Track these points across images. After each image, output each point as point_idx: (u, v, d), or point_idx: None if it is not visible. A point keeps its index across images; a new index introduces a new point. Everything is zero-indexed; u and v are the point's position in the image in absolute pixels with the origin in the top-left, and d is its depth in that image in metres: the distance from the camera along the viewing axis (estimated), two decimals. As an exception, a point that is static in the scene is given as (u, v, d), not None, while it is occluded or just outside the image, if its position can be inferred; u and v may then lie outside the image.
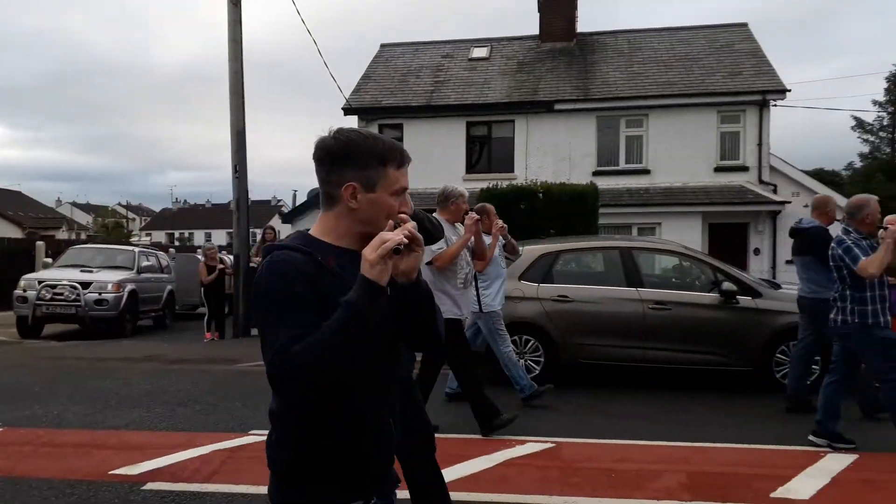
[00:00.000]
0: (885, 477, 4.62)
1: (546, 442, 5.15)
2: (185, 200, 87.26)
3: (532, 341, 7.33)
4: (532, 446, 5.06)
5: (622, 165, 16.71)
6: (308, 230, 1.69)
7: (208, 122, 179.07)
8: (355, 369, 1.49)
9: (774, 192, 15.68)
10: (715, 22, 19.57)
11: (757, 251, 15.68)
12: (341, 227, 1.64)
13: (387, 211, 1.62)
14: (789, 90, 15.68)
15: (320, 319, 1.48)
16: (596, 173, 16.41)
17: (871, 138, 37.00)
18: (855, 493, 4.31)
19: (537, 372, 7.15)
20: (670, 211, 15.33)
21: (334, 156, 1.62)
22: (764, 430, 5.52)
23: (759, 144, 15.75)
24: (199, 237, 65.30)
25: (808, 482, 4.37)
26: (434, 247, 4.99)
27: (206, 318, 12.29)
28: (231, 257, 13.04)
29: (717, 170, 15.96)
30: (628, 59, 18.07)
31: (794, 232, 6.41)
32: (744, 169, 15.83)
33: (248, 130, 12.21)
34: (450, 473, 3.91)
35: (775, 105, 15.91)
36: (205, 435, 5.34)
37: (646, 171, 16.38)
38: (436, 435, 3.62)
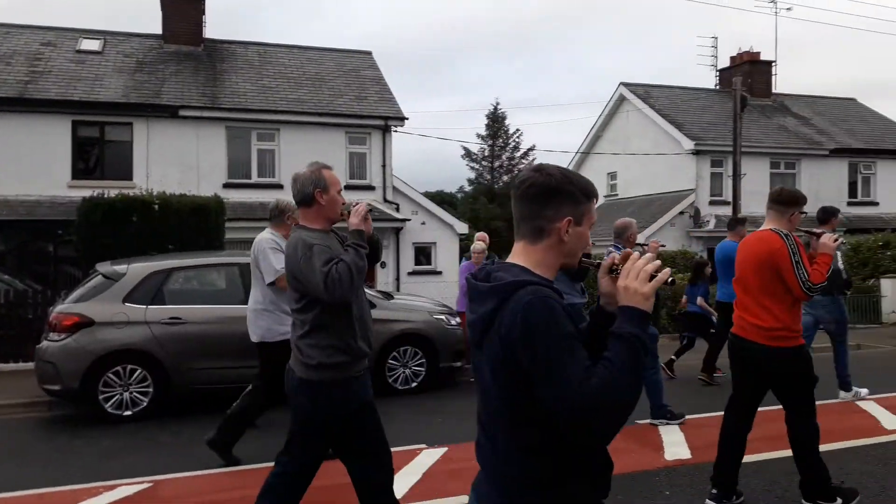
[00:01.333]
0: (466, 465, 5.18)
1: (141, 483, 4.58)
2: None
3: (138, 371, 6.59)
4: (124, 490, 4.45)
5: (255, 179, 16.43)
6: (517, 264, 1.67)
7: None
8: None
9: (397, 210, 17.06)
10: (342, 47, 20.58)
11: (383, 264, 16.84)
12: (550, 259, 1.68)
13: (585, 243, 1.70)
14: (407, 118, 17.29)
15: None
16: (227, 185, 15.85)
17: (476, 166, 43.32)
18: (440, 484, 4.70)
19: (144, 405, 6.45)
20: (302, 226, 15.55)
21: (554, 191, 1.66)
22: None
23: (384, 166, 16.99)
24: None
25: (403, 480, 4.60)
26: (278, 265, 4.65)
27: None
28: None
29: (347, 188, 16.73)
30: (259, 71, 17.92)
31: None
32: (370, 188, 16.89)
33: None
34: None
35: (396, 131, 17.38)
36: None
37: (278, 186, 16.37)
38: None
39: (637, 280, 1.58)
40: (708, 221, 18.77)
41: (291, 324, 3.29)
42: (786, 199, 4.15)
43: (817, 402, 4.14)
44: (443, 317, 8.06)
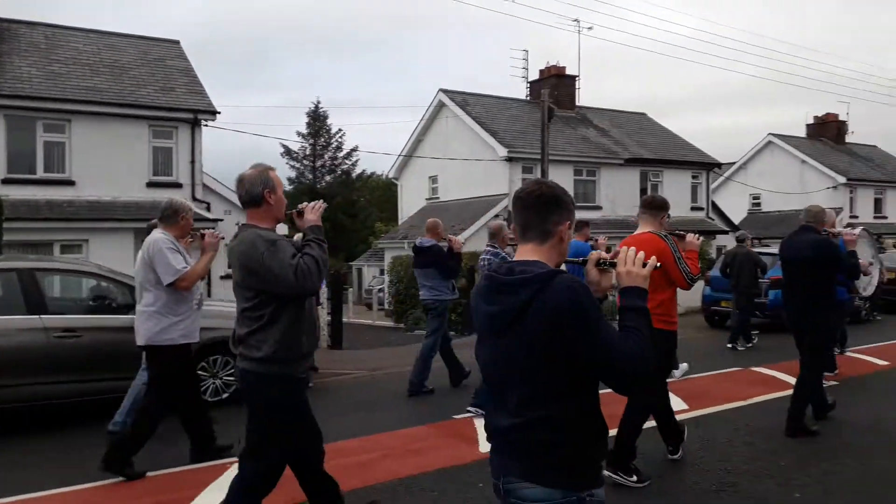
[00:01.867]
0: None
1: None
2: None
3: None
4: None
5: (40, 174, 14.65)
6: (536, 260, 2.01)
7: None
8: None
9: (208, 209, 16.10)
10: (146, 34, 19.05)
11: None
12: (554, 256, 2.06)
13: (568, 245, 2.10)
14: (219, 112, 16.37)
15: None
16: (7, 181, 14.00)
17: (297, 165, 42.28)
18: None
19: None
20: (99, 227, 14.14)
21: (558, 201, 2.06)
22: (177, 450, 5.31)
23: (192, 162, 15.96)
24: None
25: (211, 496, 4.35)
26: (178, 266, 4.71)
27: None
28: None
29: (150, 185, 15.50)
30: (47, 55, 16.02)
31: (417, 249, 7.60)
32: (177, 185, 15.78)
33: None
34: None
35: (206, 125, 16.39)
36: None
37: (70, 183, 14.75)
38: None
39: (635, 266, 2.05)
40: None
41: (237, 321, 3.30)
42: (658, 205, 4.85)
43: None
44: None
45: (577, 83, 24.84)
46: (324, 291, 11.85)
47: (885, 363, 8.78)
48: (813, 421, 5.93)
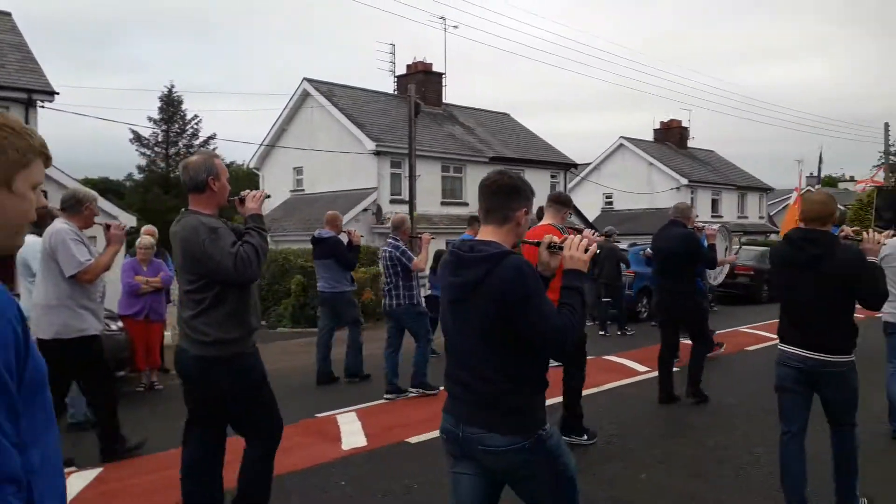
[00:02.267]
0: (123, 484, 4.60)
1: None
2: None
3: None
4: None
5: None
6: (493, 241, 2.34)
7: None
8: None
9: (45, 197, 14.64)
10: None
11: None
12: (510, 239, 2.39)
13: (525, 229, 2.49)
14: (58, 93, 14.91)
15: None
16: None
17: (148, 152, 39.57)
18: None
19: None
20: None
21: (518, 189, 2.41)
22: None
23: (27, 146, 14.42)
24: None
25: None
26: (82, 258, 4.61)
27: None
28: None
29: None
30: None
31: (316, 240, 7.69)
32: (9, 171, 14.20)
33: None
34: None
35: (43, 106, 14.89)
36: None
37: None
38: None
39: (578, 251, 2.38)
40: (389, 218, 19.80)
41: (179, 303, 3.34)
42: (563, 201, 5.37)
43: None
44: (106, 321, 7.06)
45: (443, 80, 25.17)
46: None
47: (723, 351, 9.55)
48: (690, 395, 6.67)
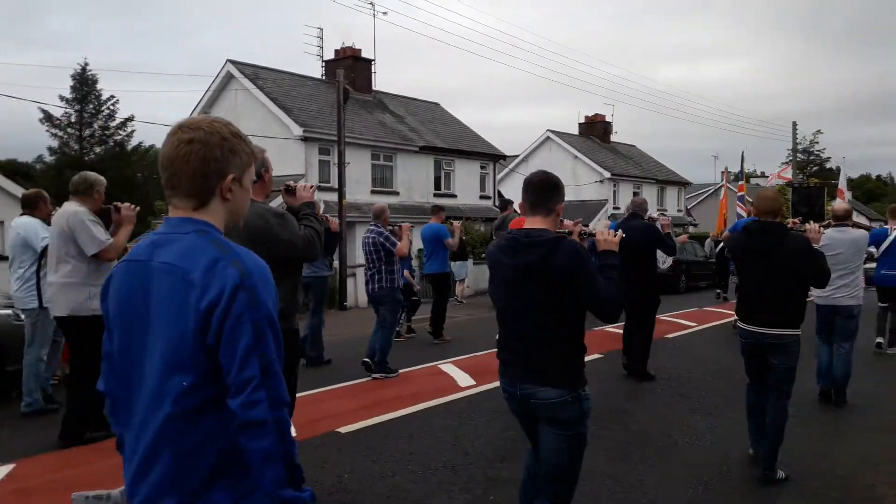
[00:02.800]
0: (37, 482, 4.37)
1: None
2: None
3: None
4: None
5: None
6: (545, 228, 2.90)
7: None
8: None
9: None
10: None
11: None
12: (553, 226, 2.93)
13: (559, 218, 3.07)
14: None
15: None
16: None
17: (60, 133, 37.39)
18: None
19: None
20: None
21: (559, 187, 3.01)
22: None
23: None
24: None
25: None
26: (102, 237, 4.88)
27: None
28: None
29: None
30: None
31: None
32: None
33: None
34: None
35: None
36: None
37: None
38: None
39: (609, 236, 3.00)
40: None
41: None
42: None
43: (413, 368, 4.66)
44: (9, 311, 6.65)
45: (373, 67, 24.90)
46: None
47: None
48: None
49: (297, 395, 6.62)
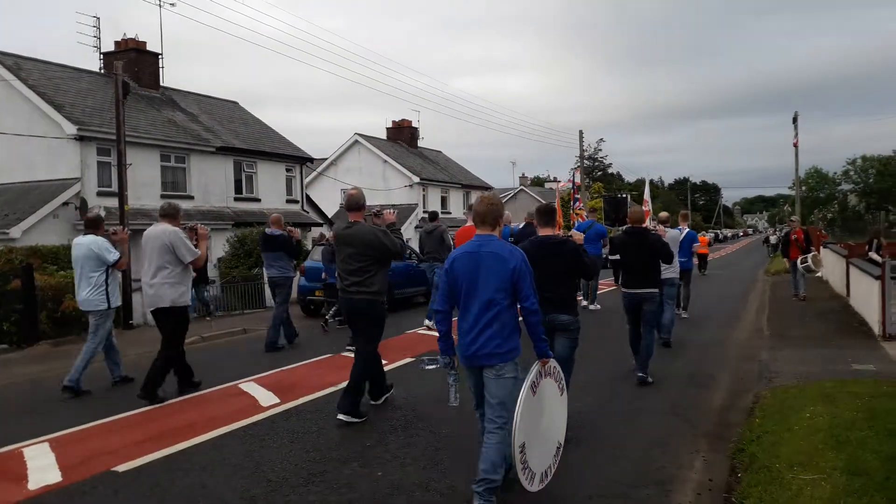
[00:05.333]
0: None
1: None
2: None
3: None
4: None
5: None
6: (558, 234, 6.07)
7: None
8: None
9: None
10: None
11: None
12: (554, 232, 5.83)
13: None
14: None
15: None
16: None
17: None
18: None
19: None
20: None
21: (555, 211, 6.01)
22: None
23: None
24: None
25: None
26: (195, 249, 6.94)
27: None
28: None
29: None
30: None
31: (267, 237, 9.90)
32: None
33: None
34: None
35: None
36: None
37: None
38: None
39: (579, 237, 5.90)
40: (97, 213, 17.45)
41: (349, 273, 5.97)
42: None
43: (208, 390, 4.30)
44: None
45: (160, 62, 22.92)
46: None
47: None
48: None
49: (65, 431, 5.78)
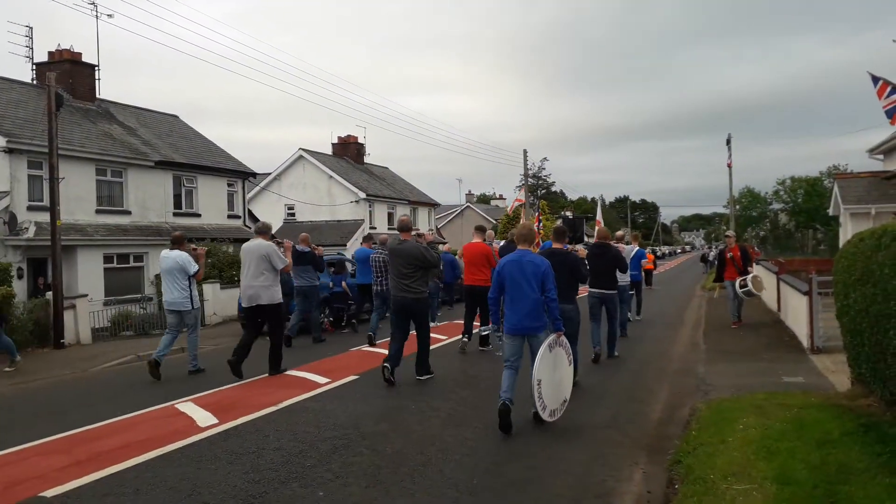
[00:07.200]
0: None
1: None
2: None
3: None
4: None
5: None
6: (561, 245, 7.96)
7: None
8: None
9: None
10: None
11: None
12: (562, 246, 8.06)
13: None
14: None
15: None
16: None
17: None
18: None
19: None
20: None
21: (566, 232, 8.22)
22: None
23: None
24: None
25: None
26: (286, 259, 9.21)
27: None
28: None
29: None
30: None
31: (299, 253, 11.52)
32: None
33: None
34: None
35: None
36: None
37: None
38: None
39: (582, 251, 9.28)
40: (27, 228, 16.74)
41: (400, 277, 8.03)
42: (481, 228, 11.46)
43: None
44: None
45: (97, 73, 22.26)
46: None
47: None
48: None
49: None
